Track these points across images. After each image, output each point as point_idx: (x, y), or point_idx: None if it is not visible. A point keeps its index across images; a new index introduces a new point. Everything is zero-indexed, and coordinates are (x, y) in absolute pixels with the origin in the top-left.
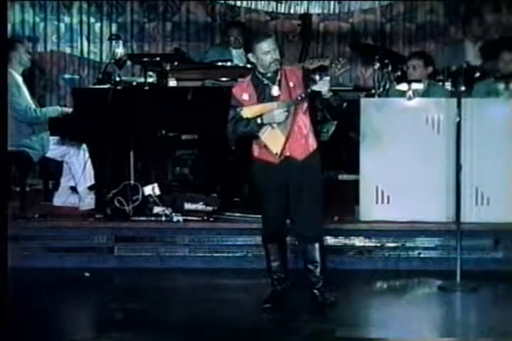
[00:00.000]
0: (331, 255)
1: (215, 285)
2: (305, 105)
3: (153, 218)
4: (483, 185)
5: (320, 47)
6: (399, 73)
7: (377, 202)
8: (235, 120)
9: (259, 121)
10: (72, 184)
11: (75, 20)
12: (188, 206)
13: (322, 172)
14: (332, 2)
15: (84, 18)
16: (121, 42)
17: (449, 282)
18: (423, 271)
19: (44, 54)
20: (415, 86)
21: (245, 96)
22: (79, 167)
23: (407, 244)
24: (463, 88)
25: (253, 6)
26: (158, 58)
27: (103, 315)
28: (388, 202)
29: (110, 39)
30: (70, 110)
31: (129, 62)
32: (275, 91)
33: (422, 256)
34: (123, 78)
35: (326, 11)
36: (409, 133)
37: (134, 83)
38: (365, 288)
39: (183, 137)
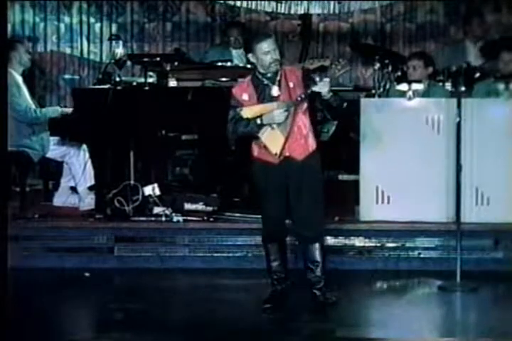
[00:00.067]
0: (331, 255)
1: (215, 285)
2: (305, 105)
3: (153, 218)
4: (483, 185)
5: (320, 47)
6: (399, 73)
7: (377, 202)
8: (235, 120)
9: (258, 121)
10: (72, 184)
11: (75, 20)
12: (188, 206)
13: (322, 173)
14: (332, 2)
15: (84, 18)
16: (121, 42)
17: (449, 282)
18: (423, 271)
19: (44, 54)
20: (415, 86)
21: (245, 97)
22: (79, 167)
23: (407, 244)
24: (463, 88)
25: (253, 6)
26: (158, 58)
27: (103, 315)
28: (388, 202)
29: (110, 39)
30: (70, 110)
31: (129, 63)
32: (275, 91)
33: (422, 256)
34: (123, 78)
35: (326, 11)
36: (410, 134)
37: (134, 83)
38: (365, 288)
39: (183, 137)
